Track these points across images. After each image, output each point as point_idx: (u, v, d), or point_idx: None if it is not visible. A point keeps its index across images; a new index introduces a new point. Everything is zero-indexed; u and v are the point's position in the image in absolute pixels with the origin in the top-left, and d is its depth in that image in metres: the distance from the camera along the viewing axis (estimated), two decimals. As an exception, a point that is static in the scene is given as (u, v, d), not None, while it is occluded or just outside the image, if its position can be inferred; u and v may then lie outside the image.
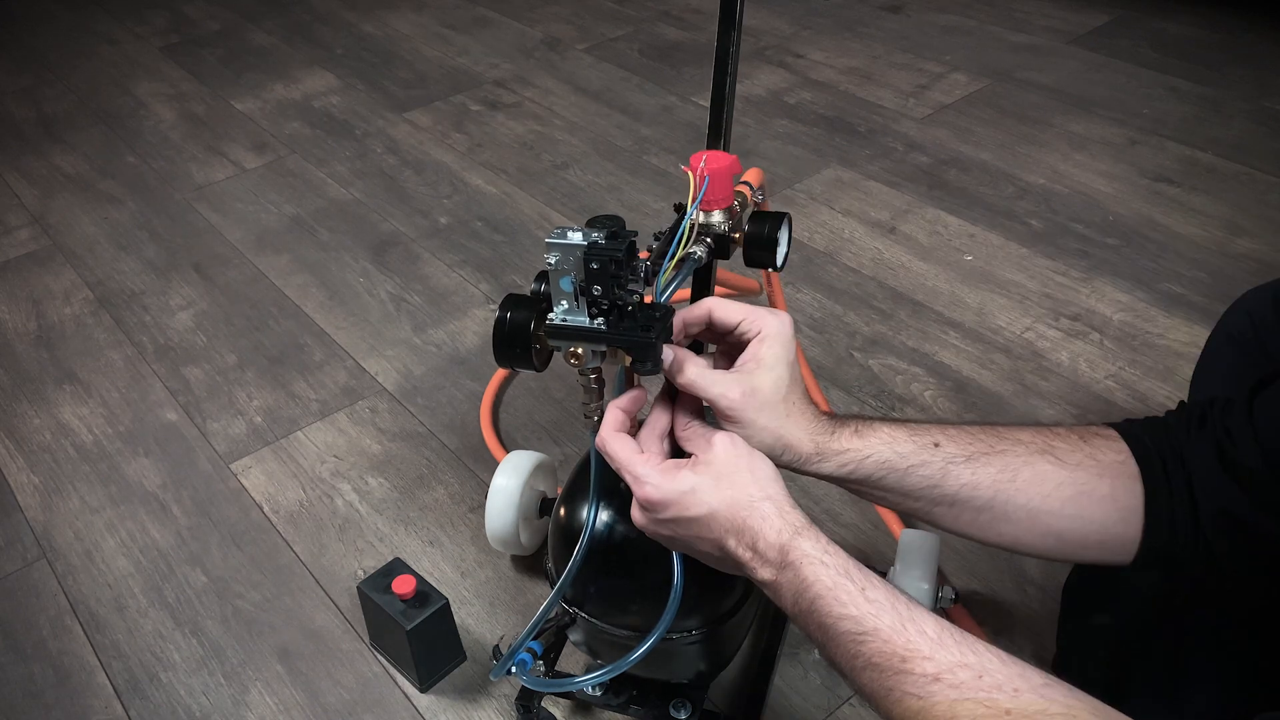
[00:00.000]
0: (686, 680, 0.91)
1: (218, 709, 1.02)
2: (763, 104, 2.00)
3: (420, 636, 0.97)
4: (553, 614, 0.82)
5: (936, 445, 0.68)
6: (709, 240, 0.74)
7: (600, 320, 0.65)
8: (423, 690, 1.02)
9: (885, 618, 0.57)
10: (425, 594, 0.98)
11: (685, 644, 0.81)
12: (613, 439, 0.67)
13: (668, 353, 0.66)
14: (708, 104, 0.79)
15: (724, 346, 0.71)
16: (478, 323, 1.50)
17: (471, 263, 1.63)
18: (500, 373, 1.37)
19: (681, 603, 0.72)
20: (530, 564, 1.13)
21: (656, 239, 0.74)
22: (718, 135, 0.78)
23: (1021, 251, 1.56)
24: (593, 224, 0.65)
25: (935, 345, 1.39)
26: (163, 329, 1.53)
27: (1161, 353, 1.36)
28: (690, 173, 0.72)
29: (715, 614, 0.81)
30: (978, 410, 1.29)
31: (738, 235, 0.76)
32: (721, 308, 0.68)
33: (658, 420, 0.69)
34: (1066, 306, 1.44)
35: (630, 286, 0.64)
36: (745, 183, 0.81)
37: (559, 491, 1.05)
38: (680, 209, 0.74)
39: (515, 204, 1.77)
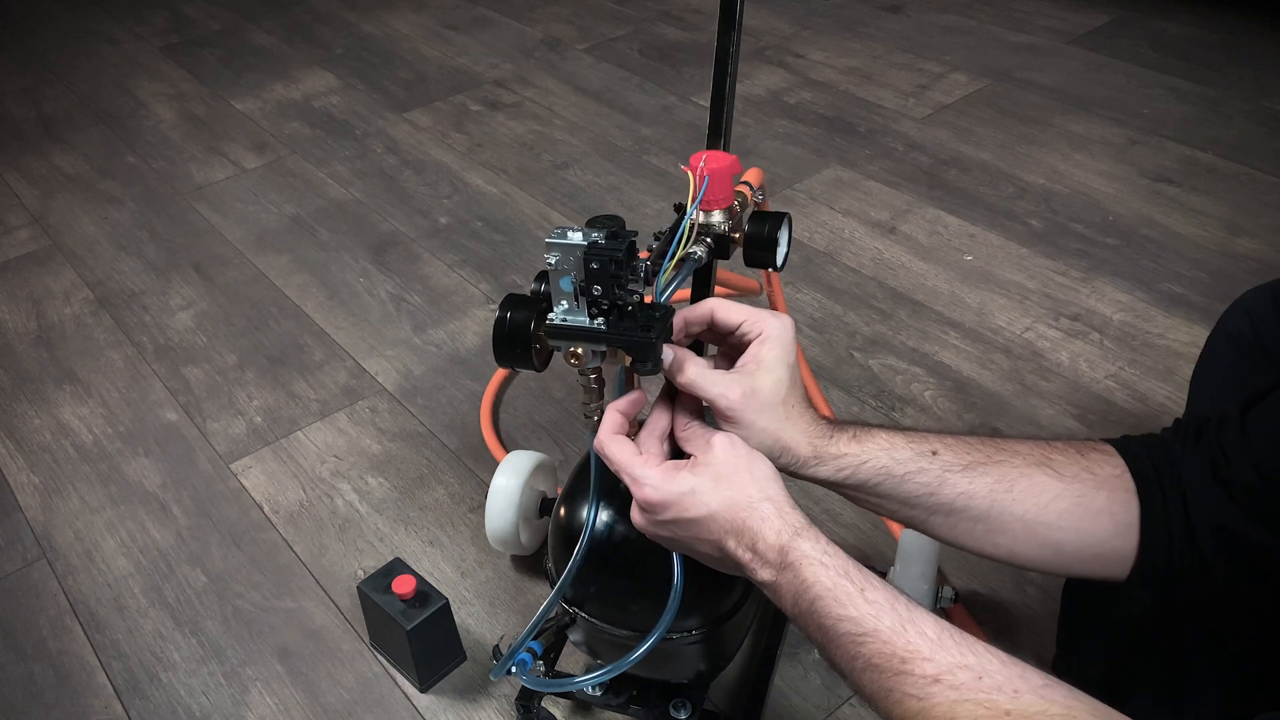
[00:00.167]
0: (686, 680, 0.91)
1: (218, 709, 1.02)
2: (763, 104, 2.00)
3: (420, 636, 0.97)
4: (553, 614, 0.82)
5: (934, 453, 0.68)
6: (709, 240, 0.74)
7: (600, 320, 0.65)
8: (423, 690, 1.02)
9: (885, 619, 0.57)
10: (425, 594, 0.98)
11: (685, 644, 0.81)
12: (611, 441, 0.67)
13: (668, 352, 0.66)
14: (708, 104, 0.79)
15: (724, 348, 0.71)
16: (478, 323, 1.50)
17: (471, 263, 1.63)
18: (500, 373, 1.37)
19: (681, 603, 0.72)
20: (530, 564, 1.13)
21: (656, 239, 0.74)
22: (718, 135, 0.78)
23: (1021, 251, 1.56)
24: (593, 224, 0.65)
25: (935, 345, 1.40)
26: (163, 329, 1.53)
27: (1161, 353, 1.36)
28: (690, 173, 0.72)
29: (715, 614, 0.81)
30: (978, 410, 1.29)
31: (738, 235, 0.76)
32: (723, 308, 0.68)
33: (657, 421, 0.69)
34: (1066, 306, 1.44)
35: (630, 286, 0.64)
36: (745, 183, 0.81)
37: (559, 491, 1.05)
38: (680, 209, 0.74)
39: (515, 204, 1.77)
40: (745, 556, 0.62)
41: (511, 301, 0.67)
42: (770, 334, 0.66)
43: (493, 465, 1.18)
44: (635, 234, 0.65)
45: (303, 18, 2.53)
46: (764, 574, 0.62)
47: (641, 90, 2.09)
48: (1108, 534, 0.67)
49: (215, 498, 1.25)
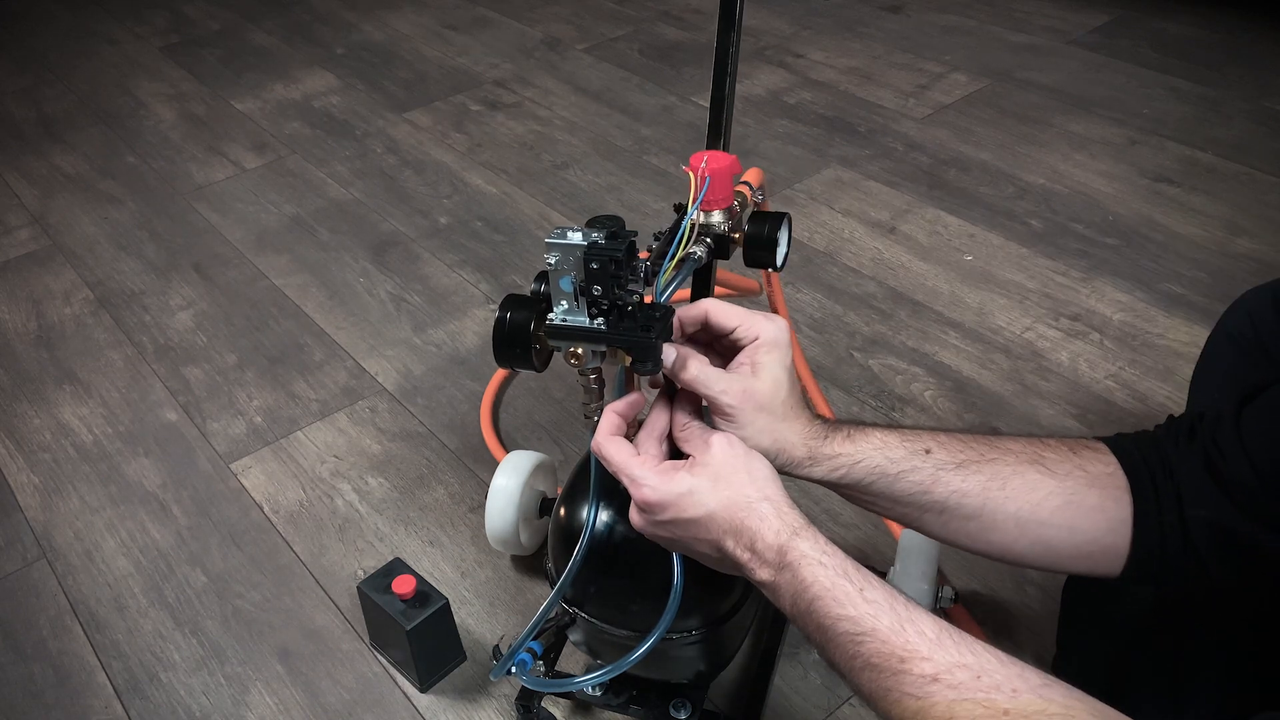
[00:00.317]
0: (686, 680, 0.91)
1: (218, 709, 1.02)
2: (763, 104, 2.00)
3: (420, 636, 0.97)
4: (553, 614, 0.82)
5: (928, 452, 0.68)
6: (709, 240, 0.74)
7: (600, 320, 0.65)
8: (423, 690, 1.02)
9: (884, 618, 0.57)
10: (425, 594, 0.98)
11: (685, 644, 0.81)
12: (608, 442, 0.67)
13: (671, 350, 0.66)
14: (708, 104, 0.79)
15: (719, 349, 0.71)
16: (478, 323, 1.50)
17: (471, 263, 1.63)
18: (500, 373, 1.37)
19: (681, 603, 0.72)
20: (530, 564, 1.13)
21: (656, 239, 0.74)
22: (718, 135, 0.78)
23: (1021, 251, 1.56)
24: (593, 224, 0.65)
25: (935, 345, 1.40)
26: (163, 329, 1.53)
27: (1161, 353, 1.36)
28: (690, 173, 0.72)
29: (715, 614, 0.81)
30: (978, 411, 1.29)
31: (738, 235, 0.76)
32: (718, 310, 0.68)
33: (656, 422, 0.69)
34: (1066, 306, 1.44)
35: (630, 286, 0.64)
36: (745, 183, 0.81)
37: (559, 492, 1.05)
38: (680, 209, 0.74)
39: (515, 204, 1.77)
40: (744, 556, 0.62)
41: (511, 302, 0.67)
42: (765, 338, 0.67)
43: (493, 465, 1.18)
44: (635, 234, 0.65)
45: (303, 18, 2.53)
46: (763, 574, 0.62)
47: (641, 90, 2.09)
48: (1100, 531, 0.67)
49: (215, 498, 1.25)
